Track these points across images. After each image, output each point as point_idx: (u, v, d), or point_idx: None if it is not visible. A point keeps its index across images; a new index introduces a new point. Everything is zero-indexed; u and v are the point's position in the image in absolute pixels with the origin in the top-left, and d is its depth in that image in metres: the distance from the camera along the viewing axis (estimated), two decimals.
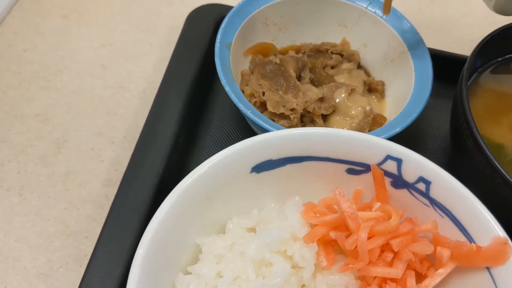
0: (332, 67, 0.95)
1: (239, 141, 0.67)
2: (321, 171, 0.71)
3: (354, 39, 0.98)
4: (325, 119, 0.88)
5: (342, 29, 0.98)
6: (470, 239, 0.64)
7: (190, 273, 0.65)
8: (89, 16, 1.12)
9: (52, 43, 1.07)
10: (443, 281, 0.64)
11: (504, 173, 0.67)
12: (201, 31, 0.99)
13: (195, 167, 0.65)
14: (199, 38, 0.98)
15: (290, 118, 0.84)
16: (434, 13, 1.20)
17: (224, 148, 0.66)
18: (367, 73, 0.97)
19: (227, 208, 0.69)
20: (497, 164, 0.68)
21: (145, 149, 0.84)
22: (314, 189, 0.72)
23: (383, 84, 0.94)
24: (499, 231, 0.61)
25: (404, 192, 0.69)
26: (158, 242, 0.60)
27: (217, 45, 0.85)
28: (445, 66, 0.91)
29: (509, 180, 0.67)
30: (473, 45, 0.81)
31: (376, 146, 0.68)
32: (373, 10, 0.93)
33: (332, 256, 0.64)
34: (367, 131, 0.85)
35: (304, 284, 0.65)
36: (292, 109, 0.84)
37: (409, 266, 0.64)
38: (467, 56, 0.79)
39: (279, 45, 0.98)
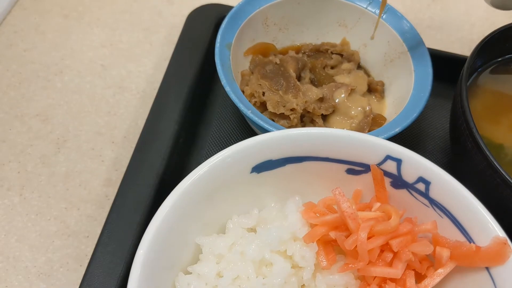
0: (332, 67, 0.95)
1: (239, 141, 0.67)
2: (321, 171, 0.71)
3: (354, 39, 0.98)
4: (325, 119, 0.88)
5: (342, 29, 0.98)
6: (469, 239, 0.64)
7: (191, 273, 0.65)
8: (90, 16, 1.12)
9: (52, 43, 1.07)
10: (443, 281, 0.64)
11: (503, 173, 0.67)
12: (201, 31, 1.00)
13: (195, 167, 0.65)
14: (199, 38, 0.98)
15: (290, 118, 0.84)
16: (434, 13, 1.20)
17: (224, 148, 0.67)
18: (367, 73, 0.97)
19: (227, 208, 0.69)
20: (496, 165, 0.68)
21: (145, 149, 0.84)
22: (314, 189, 0.72)
23: (383, 84, 0.95)
24: (499, 231, 0.61)
25: (403, 192, 0.69)
26: (158, 242, 0.60)
27: (217, 45, 0.85)
28: (445, 66, 0.91)
29: (508, 180, 0.67)
30: (472, 45, 0.81)
31: (375, 146, 0.68)
32: (373, 10, 0.93)
33: (332, 256, 0.64)
34: (367, 131, 0.85)
35: (304, 284, 0.65)
36: (292, 109, 0.84)
37: (408, 266, 0.64)
38: (467, 56, 0.79)
39: (279, 45, 0.98)
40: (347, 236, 0.63)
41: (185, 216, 0.64)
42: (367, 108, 0.87)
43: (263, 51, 0.95)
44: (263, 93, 0.86)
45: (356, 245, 0.61)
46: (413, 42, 0.90)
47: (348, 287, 0.64)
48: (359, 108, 0.87)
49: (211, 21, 1.01)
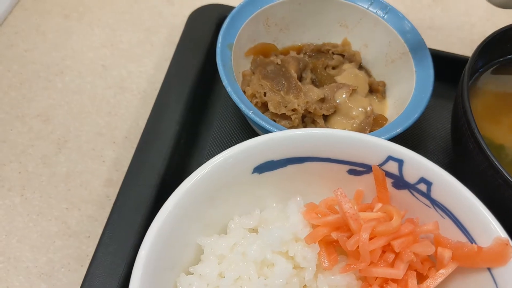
0: (333, 68, 0.95)
1: (241, 141, 0.67)
2: (322, 171, 0.71)
3: (355, 40, 0.98)
4: (326, 119, 0.88)
5: (343, 30, 0.98)
6: (471, 240, 0.64)
7: (192, 274, 0.65)
8: (90, 16, 1.12)
9: (53, 43, 1.07)
10: (444, 281, 0.64)
11: (505, 173, 0.67)
12: (203, 31, 1.00)
13: (196, 168, 0.65)
14: (201, 39, 0.98)
15: (291, 118, 0.84)
16: (435, 14, 1.20)
17: (225, 148, 0.67)
18: (368, 74, 0.97)
19: (229, 208, 0.69)
20: (498, 165, 0.68)
21: (147, 149, 0.84)
22: (316, 190, 0.72)
23: (384, 84, 0.95)
24: (500, 232, 0.61)
25: (405, 193, 0.69)
26: (160, 243, 0.60)
27: (218, 45, 0.85)
28: (446, 67, 0.91)
29: (510, 181, 0.67)
30: (474, 45, 0.81)
31: (377, 147, 0.68)
32: (374, 11, 0.93)
33: (333, 256, 0.64)
34: (368, 131, 0.85)
35: (305, 285, 0.65)
36: (293, 110, 0.84)
37: (410, 267, 0.64)
38: (468, 57, 0.79)
39: (280, 46, 0.98)
40: (348, 237, 0.63)
41: (186, 216, 0.64)
42: (368, 109, 0.87)
43: (264, 52, 0.95)
44: (265, 94, 0.86)
45: (358, 246, 0.61)
46: (415, 42, 0.90)
47: (349, 287, 0.64)
48: (361, 109, 0.87)
49: (212, 21, 1.01)
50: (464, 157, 0.77)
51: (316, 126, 0.86)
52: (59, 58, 1.04)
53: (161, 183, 0.81)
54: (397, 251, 0.62)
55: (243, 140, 0.67)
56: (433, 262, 0.67)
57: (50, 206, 0.85)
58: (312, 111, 0.85)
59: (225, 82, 0.81)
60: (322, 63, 0.93)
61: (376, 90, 0.93)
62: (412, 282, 0.63)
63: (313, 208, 0.68)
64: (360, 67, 0.98)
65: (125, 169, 0.83)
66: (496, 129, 0.81)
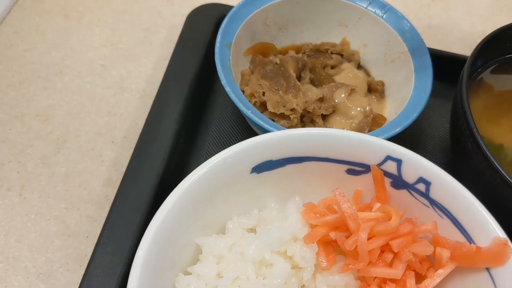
0: (332, 67, 0.95)
1: (239, 141, 0.67)
2: (321, 171, 0.71)
3: (354, 39, 0.98)
4: (325, 119, 0.88)
5: (342, 29, 0.98)
6: (470, 239, 0.64)
7: (190, 274, 0.65)
8: (90, 16, 1.12)
9: (52, 43, 1.07)
10: (443, 281, 0.64)
11: (504, 173, 0.67)
12: (202, 31, 0.99)
13: (195, 167, 0.65)
14: (199, 38, 0.98)
15: (290, 118, 0.84)
16: (434, 13, 1.20)
17: (224, 148, 0.67)
18: (367, 73, 0.97)
19: (227, 208, 0.69)
20: (497, 165, 0.68)
21: (145, 149, 0.84)
22: (314, 190, 0.72)
23: (383, 84, 0.95)
24: (499, 232, 0.61)
25: (404, 193, 0.69)
26: (158, 243, 0.60)
27: (217, 45, 0.85)
28: (445, 66, 0.91)
29: (509, 180, 0.67)
30: (473, 45, 0.81)
31: (376, 147, 0.68)
32: (373, 10, 0.93)
33: (332, 256, 0.64)
34: (367, 131, 0.85)
35: (304, 285, 0.65)
36: (292, 109, 0.84)
37: (409, 267, 0.64)
38: (467, 56, 0.79)
39: (279, 45, 0.98)
40: (347, 237, 0.63)
41: (185, 216, 0.64)
42: (367, 108, 0.87)
43: (263, 51, 0.95)
44: (263, 93, 0.86)
45: (357, 246, 0.61)
46: (414, 42, 0.90)
47: (348, 287, 0.64)
48: (359, 108, 0.87)
49: (211, 21, 1.00)
50: (463, 156, 0.76)
51: (314, 126, 0.86)
52: (58, 58, 1.04)
53: (160, 183, 0.81)
54: (395, 251, 0.62)
55: (242, 140, 0.67)
56: (432, 262, 0.67)
57: (49, 206, 0.85)
58: (311, 110, 0.85)
59: (223, 81, 0.81)
60: (321, 62, 0.93)
61: (375, 89, 0.93)
62: (411, 282, 0.63)
63: (311, 208, 0.68)
64: (359, 66, 0.98)
65: (124, 169, 0.83)
66: (495, 128, 0.81)
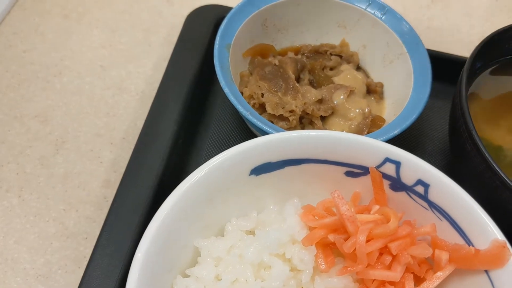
0: (331, 69, 0.95)
1: (238, 142, 0.67)
2: (320, 173, 0.71)
3: (353, 41, 0.98)
4: (324, 120, 0.88)
5: (341, 30, 0.98)
6: (468, 242, 0.64)
7: (189, 276, 0.65)
8: (89, 16, 1.12)
9: (52, 43, 1.07)
10: (442, 284, 0.64)
11: (502, 175, 0.67)
12: (201, 32, 0.99)
13: (194, 169, 0.65)
14: (199, 39, 0.98)
15: (289, 119, 0.84)
16: (433, 14, 1.20)
17: (223, 149, 0.67)
18: (366, 75, 0.97)
19: (226, 210, 0.69)
20: (495, 167, 0.68)
21: (144, 150, 0.84)
22: (313, 192, 0.72)
23: (382, 85, 0.94)
24: (498, 234, 0.61)
25: (402, 195, 0.69)
26: (157, 245, 0.60)
27: (216, 46, 0.85)
28: (444, 68, 0.91)
29: (507, 182, 0.67)
30: (472, 46, 0.80)
31: (374, 149, 0.68)
32: (372, 12, 0.93)
33: (330, 259, 0.64)
34: (365, 132, 0.85)
35: (302, 287, 0.65)
36: (291, 111, 0.84)
37: (407, 269, 0.64)
38: (466, 58, 0.79)
39: (278, 47, 0.98)
40: (346, 239, 0.63)
41: (183, 218, 0.64)
42: (366, 110, 0.87)
43: (262, 52, 0.94)
44: (262, 95, 0.86)
45: (355, 248, 0.61)
46: (413, 43, 0.90)
47: None
48: (358, 110, 0.87)
49: (210, 22, 1.00)
50: (462, 158, 0.76)
51: (313, 127, 0.86)
52: (58, 58, 1.04)
53: (159, 184, 0.81)
54: (394, 253, 0.62)
55: (241, 141, 0.67)
56: (431, 264, 0.67)
57: (48, 207, 0.85)
58: (309, 112, 0.85)
59: (222, 83, 0.81)
60: (320, 64, 0.93)
61: (374, 91, 0.93)
62: (410, 285, 0.63)
63: (310, 210, 0.68)
64: (358, 68, 0.98)
65: (123, 170, 0.82)
66: (494, 130, 0.81)
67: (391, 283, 0.63)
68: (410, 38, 0.90)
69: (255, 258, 0.63)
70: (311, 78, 0.92)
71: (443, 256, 0.63)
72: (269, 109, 0.85)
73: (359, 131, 0.85)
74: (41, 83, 1.00)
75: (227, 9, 0.94)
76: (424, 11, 1.21)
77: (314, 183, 0.72)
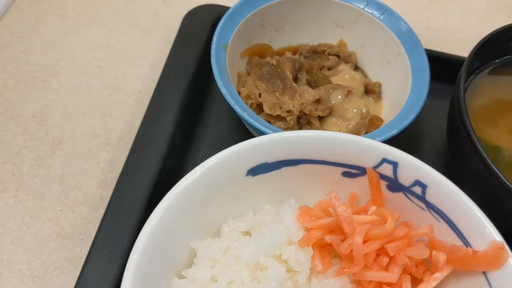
0: (329, 69, 0.95)
1: (235, 142, 0.67)
2: (317, 174, 0.71)
3: (351, 40, 0.98)
4: (322, 121, 0.87)
5: (339, 30, 0.97)
6: (466, 243, 0.63)
7: (185, 277, 0.64)
8: (87, 17, 1.11)
9: (48, 44, 1.06)
10: (439, 285, 0.64)
11: (501, 176, 0.67)
12: (198, 32, 0.99)
13: (191, 169, 0.65)
14: (196, 39, 0.98)
15: (286, 120, 0.84)
16: (432, 14, 1.20)
17: (220, 150, 0.66)
18: (364, 75, 0.97)
19: (222, 211, 0.69)
20: (493, 167, 0.67)
21: (141, 151, 0.83)
22: (310, 192, 0.71)
23: (380, 85, 0.94)
24: (496, 236, 0.61)
25: (400, 196, 0.68)
26: (152, 247, 0.59)
27: (213, 46, 0.85)
28: (443, 68, 0.91)
29: (506, 183, 0.66)
30: (470, 46, 0.80)
31: (372, 149, 0.67)
32: (370, 11, 0.93)
33: (327, 260, 0.64)
34: (363, 133, 0.84)
35: None
36: (288, 111, 0.84)
37: (404, 270, 0.64)
38: (465, 57, 0.79)
39: (275, 46, 0.98)
40: (342, 240, 0.62)
41: (179, 219, 0.63)
42: (364, 110, 0.87)
43: (259, 52, 0.94)
44: (260, 95, 0.86)
45: (352, 249, 0.61)
46: (411, 43, 0.89)
47: None
48: (356, 110, 0.87)
49: (208, 22, 1.00)
50: (460, 158, 0.76)
51: (311, 128, 0.86)
52: (54, 58, 1.04)
53: (156, 185, 0.80)
54: (391, 254, 0.62)
55: (238, 141, 0.67)
56: (428, 265, 0.66)
57: (44, 208, 0.85)
58: (307, 112, 0.84)
59: (219, 83, 0.81)
60: (317, 64, 0.93)
61: (372, 91, 0.93)
62: (407, 286, 0.63)
63: (307, 211, 0.67)
64: (356, 68, 0.97)
65: (120, 170, 0.82)
66: (492, 130, 0.81)
67: (388, 284, 0.63)
68: (408, 38, 0.90)
69: (252, 259, 0.63)
70: (308, 78, 0.92)
71: (441, 257, 0.63)
72: (266, 109, 0.84)
73: (356, 131, 0.85)
74: (38, 83, 1.00)
75: (224, 9, 0.94)
76: (423, 10, 1.20)
77: (311, 183, 0.71)
